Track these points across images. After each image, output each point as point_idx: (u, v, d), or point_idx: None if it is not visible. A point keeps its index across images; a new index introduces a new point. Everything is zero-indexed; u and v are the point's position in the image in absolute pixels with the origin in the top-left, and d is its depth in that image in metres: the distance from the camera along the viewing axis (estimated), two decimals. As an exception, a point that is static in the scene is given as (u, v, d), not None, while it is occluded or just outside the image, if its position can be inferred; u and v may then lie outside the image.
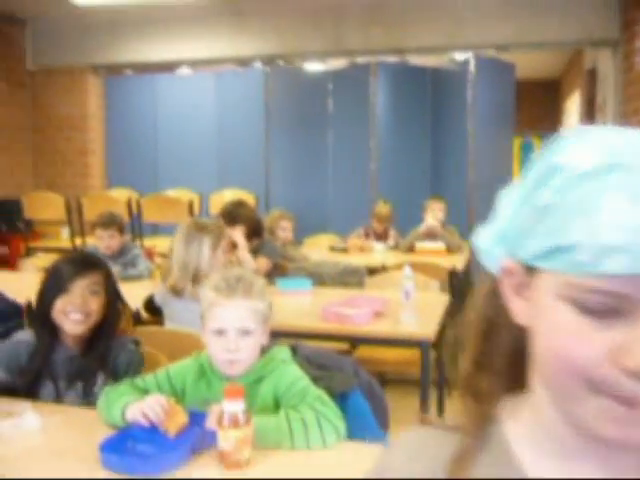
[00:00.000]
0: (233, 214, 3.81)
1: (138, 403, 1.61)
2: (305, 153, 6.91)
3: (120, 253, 4.02)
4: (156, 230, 6.25)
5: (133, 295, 3.11)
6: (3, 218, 6.78)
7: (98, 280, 2.00)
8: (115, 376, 1.95)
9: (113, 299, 2.07)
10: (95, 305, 1.97)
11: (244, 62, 7.07)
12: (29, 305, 2.53)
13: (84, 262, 2.03)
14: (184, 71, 7.39)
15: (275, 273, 4.12)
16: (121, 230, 4.07)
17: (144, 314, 2.99)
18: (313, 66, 7.06)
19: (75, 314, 1.93)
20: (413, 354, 3.20)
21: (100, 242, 4.00)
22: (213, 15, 6.81)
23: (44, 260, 4.04)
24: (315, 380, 1.76)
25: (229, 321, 1.69)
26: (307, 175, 6.90)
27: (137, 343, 2.08)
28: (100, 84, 7.54)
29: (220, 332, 1.70)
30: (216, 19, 6.83)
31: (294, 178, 6.91)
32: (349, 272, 4.20)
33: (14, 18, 7.31)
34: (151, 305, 2.96)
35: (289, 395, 1.67)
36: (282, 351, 1.79)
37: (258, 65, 6.97)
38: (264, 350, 1.78)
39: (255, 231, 3.89)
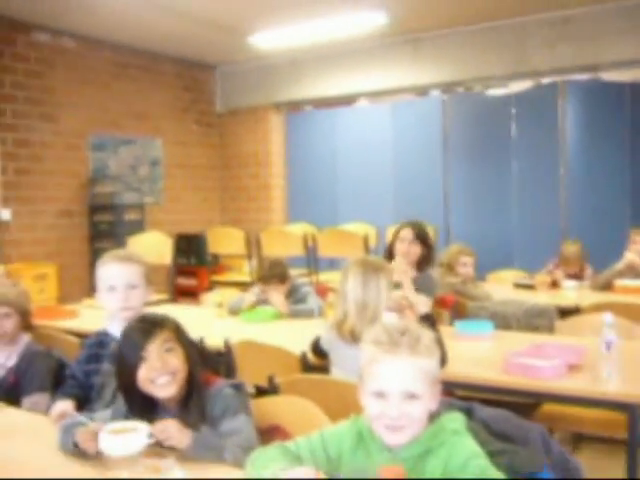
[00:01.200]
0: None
1: (288, 473, 1.43)
2: (486, 183, 6.53)
3: (291, 292, 3.96)
4: (332, 265, 6.20)
5: (303, 335, 3.01)
6: (193, 252, 7.16)
7: (169, 336, 1.89)
8: (214, 425, 1.81)
9: (191, 350, 1.95)
10: (176, 361, 1.86)
11: (421, 91, 6.89)
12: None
13: (149, 325, 1.92)
14: (362, 103, 7.37)
15: (454, 314, 3.83)
16: (282, 280, 3.95)
17: (311, 357, 2.85)
18: (494, 90, 6.69)
19: (161, 378, 1.83)
20: (618, 414, 2.73)
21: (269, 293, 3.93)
22: (389, 46, 6.74)
23: (221, 295, 4.10)
24: (494, 455, 1.48)
25: (391, 382, 1.47)
26: (489, 206, 6.50)
27: (237, 387, 1.93)
28: (281, 121, 7.77)
29: (380, 394, 1.47)
30: (392, 49, 6.74)
31: (475, 209, 6.54)
32: (537, 313, 3.78)
33: (205, 65, 7.79)
34: (318, 347, 2.82)
35: (462, 475, 1.40)
36: (455, 420, 1.52)
37: (435, 93, 6.75)
38: (433, 417, 1.52)
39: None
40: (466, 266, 4.42)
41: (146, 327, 1.88)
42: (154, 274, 6.41)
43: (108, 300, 2.30)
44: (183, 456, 1.70)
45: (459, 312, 3.94)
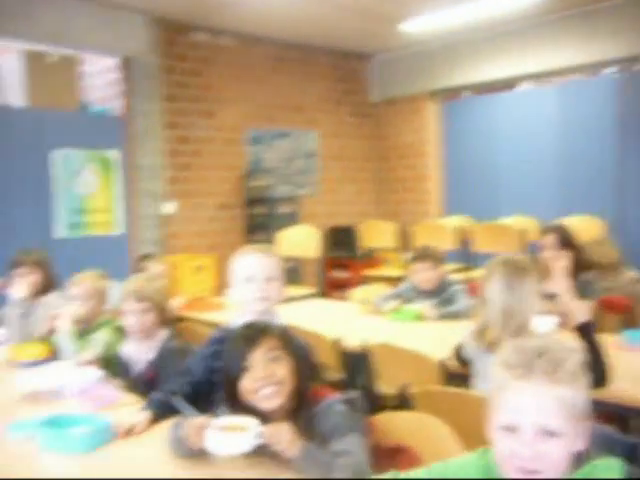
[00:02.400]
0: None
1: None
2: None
3: (438, 289, 3.72)
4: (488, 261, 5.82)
5: (447, 339, 2.78)
6: (346, 244, 7.10)
7: (274, 345, 1.75)
8: (322, 443, 1.64)
9: (299, 360, 1.79)
10: (282, 371, 1.72)
11: (593, 70, 6.25)
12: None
13: (253, 332, 1.79)
14: (524, 87, 6.86)
15: (626, 320, 3.39)
16: (437, 264, 3.76)
17: (452, 364, 2.61)
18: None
19: (265, 389, 1.70)
20: None
21: (416, 276, 3.75)
22: (556, 22, 6.18)
23: (366, 291, 3.95)
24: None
25: (523, 415, 1.22)
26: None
27: (350, 403, 1.74)
28: (437, 109, 7.46)
29: (511, 429, 1.23)
30: (560, 25, 6.17)
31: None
32: None
33: (360, 55, 7.68)
34: (460, 355, 2.57)
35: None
36: (610, 468, 1.24)
37: (608, 71, 6.08)
38: (581, 460, 1.26)
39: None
40: None
41: (250, 335, 1.78)
42: (304, 267, 6.44)
43: (245, 290, 2.23)
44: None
45: (632, 318, 3.48)
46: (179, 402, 2.04)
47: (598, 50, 5.98)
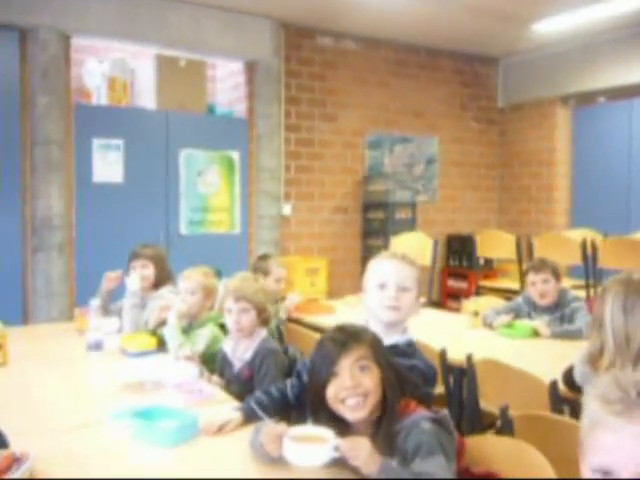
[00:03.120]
0: None
1: None
2: None
3: (557, 305, 3.48)
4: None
5: (561, 360, 2.58)
6: (464, 253, 6.89)
7: (365, 353, 1.66)
8: (404, 461, 1.54)
9: (389, 372, 1.68)
10: (369, 383, 1.62)
11: None
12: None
13: (346, 336, 1.70)
14: (668, 92, 6.33)
15: None
16: (555, 276, 3.53)
17: (562, 388, 2.42)
18: None
19: (351, 399, 1.61)
20: None
21: (531, 288, 3.54)
22: None
23: (477, 304, 3.78)
24: None
25: (619, 459, 1.07)
26: None
27: (439, 422, 1.60)
28: (569, 116, 7.06)
29: (605, 473, 1.09)
30: None
31: None
32: None
33: (487, 58, 7.42)
34: (571, 379, 2.38)
35: None
36: None
37: None
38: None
39: None
40: None
41: (342, 339, 1.70)
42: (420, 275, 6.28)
43: (375, 298, 2.12)
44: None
45: None
46: (260, 410, 2.04)
47: None
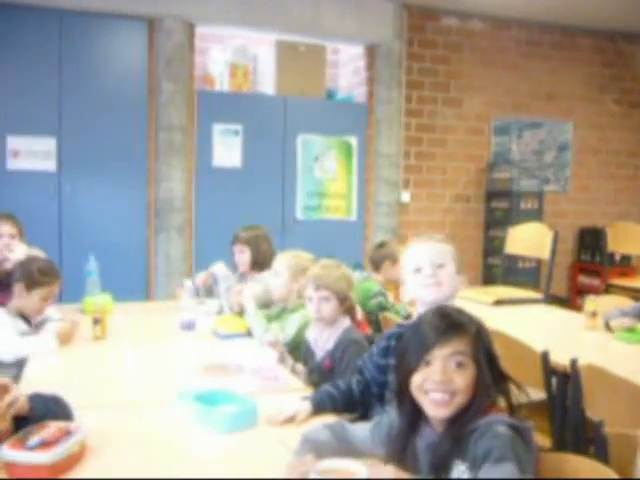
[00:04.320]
0: None
1: None
2: None
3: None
4: None
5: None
6: (597, 248, 6.40)
7: (465, 348, 1.46)
8: (473, 465, 1.37)
9: (485, 373, 1.48)
10: (461, 381, 1.44)
11: None
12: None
13: (447, 325, 1.50)
14: None
15: None
16: None
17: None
18: None
19: (435, 393, 1.44)
20: None
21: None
22: None
23: (595, 303, 3.44)
24: None
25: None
26: None
27: (518, 429, 1.40)
28: None
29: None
30: None
31: None
32: None
33: (632, 35, 6.79)
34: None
35: None
36: None
37: None
38: None
39: None
40: None
41: (442, 325, 1.52)
42: (544, 269, 5.90)
43: (413, 282, 2.03)
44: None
45: None
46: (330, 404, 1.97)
47: None
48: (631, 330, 3.13)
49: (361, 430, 1.74)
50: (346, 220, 5.90)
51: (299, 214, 5.74)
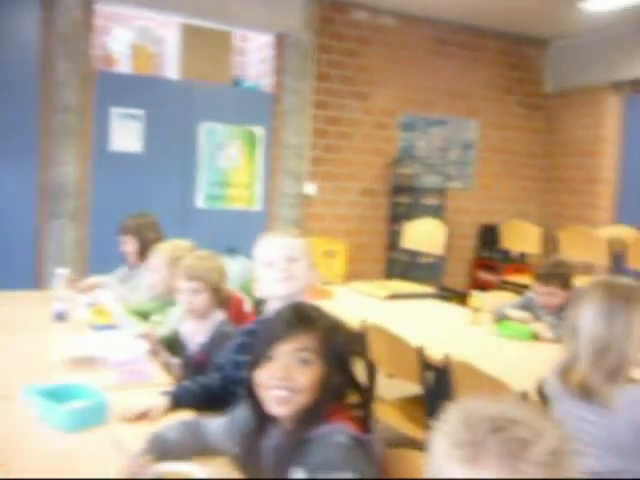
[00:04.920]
0: None
1: None
2: None
3: (565, 308, 3.20)
4: None
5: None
6: (488, 244, 6.61)
7: (312, 344, 1.42)
8: (310, 474, 1.33)
9: (333, 373, 1.44)
10: (304, 380, 1.40)
11: None
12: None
13: (295, 319, 1.45)
14: None
15: None
16: (564, 287, 3.21)
17: (534, 399, 2.18)
18: None
19: (277, 390, 1.40)
20: None
21: (538, 297, 3.25)
22: None
23: (480, 299, 3.52)
24: None
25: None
26: None
27: (358, 440, 1.36)
28: (620, 103, 6.59)
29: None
30: None
31: None
32: None
33: (536, 40, 7.00)
34: (543, 390, 2.14)
35: None
36: None
37: None
38: None
39: None
40: None
41: (290, 320, 1.47)
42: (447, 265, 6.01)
43: (266, 277, 2.01)
44: None
45: None
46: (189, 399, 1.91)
47: None
48: (507, 326, 3.22)
49: (217, 426, 1.69)
50: (249, 210, 5.82)
51: (201, 203, 5.62)
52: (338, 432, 1.39)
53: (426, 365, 2.75)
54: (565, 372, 1.93)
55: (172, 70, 5.58)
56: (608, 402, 1.80)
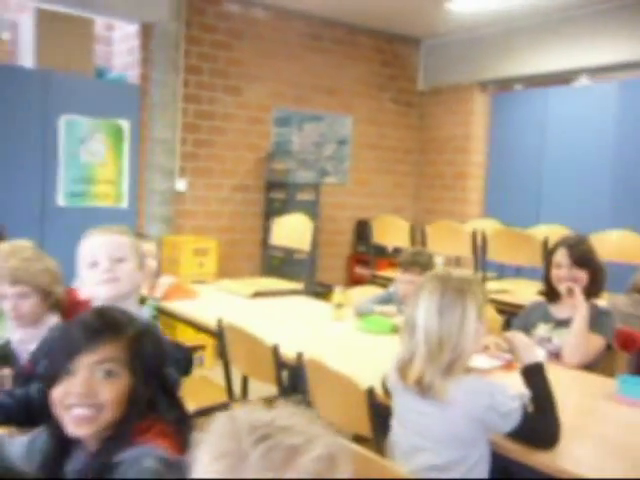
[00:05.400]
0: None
1: None
2: None
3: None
4: (519, 272, 5.21)
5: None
6: (363, 239, 6.68)
7: (117, 355, 1.28)
8: None
9: (146, 384, 1.31)
10: (109, 394, 1.25)
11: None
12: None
13: (98, 326, 1.30)
14: (582, 82, 6.14)
15: None
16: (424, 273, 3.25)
17: (381, 394, 2.14)
18: None
19: (78, 409, 1.24)
20: None
21: (400, 286, 3.26)
22: (623, 8, 5.46)
23: (342, 295, 3.48)
24: None
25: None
26: None
27: (168, 463, 1.22)
28: (487, 102, 6.84)
29: None
30: (622, 18, 5.45)
31: None
32: None
33: (409, 38, 7.13)
34: (386, 384, 2.10)
35: None
36: None
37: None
38: None
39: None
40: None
41: (93, 327, 1.30)
42: (325, 260, 5.96)
43: (89, 278, 1.86)
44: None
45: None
46: None
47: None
48: (368, 320, 3.20)
49: (19, 445, 1.51)
50: (116, 208, 5.53)
51: (61, 201, 5.28)
52: (147, 455, 1.24)
53: (282, 364, 2.67)
54: (402, 369, 1.89)
55: (27, 58, 5.20)
56: (444, 396, 1.77)
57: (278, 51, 6.33)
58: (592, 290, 2.75)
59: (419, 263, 3.22)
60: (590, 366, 2.68)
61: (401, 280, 3.24)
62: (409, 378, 1.85)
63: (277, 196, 6.15)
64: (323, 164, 6.63)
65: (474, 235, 4.39)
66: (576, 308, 2.61)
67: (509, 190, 6.52)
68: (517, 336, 1.97)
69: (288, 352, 2.63)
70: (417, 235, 5.02)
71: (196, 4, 5.83)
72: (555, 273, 2.79)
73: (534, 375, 1.85)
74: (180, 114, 5.80)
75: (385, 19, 6.51)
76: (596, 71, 5.89)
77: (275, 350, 2.64)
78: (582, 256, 2.77)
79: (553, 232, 4.99)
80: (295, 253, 5.88)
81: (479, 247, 4.37)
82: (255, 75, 6.21)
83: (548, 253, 2.91)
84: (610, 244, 4.82)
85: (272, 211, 6.14)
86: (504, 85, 6.70)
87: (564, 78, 6.21)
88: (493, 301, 3.53)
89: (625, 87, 5.67)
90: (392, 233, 5.02)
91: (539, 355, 1.95)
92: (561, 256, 2.79)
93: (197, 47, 5.87)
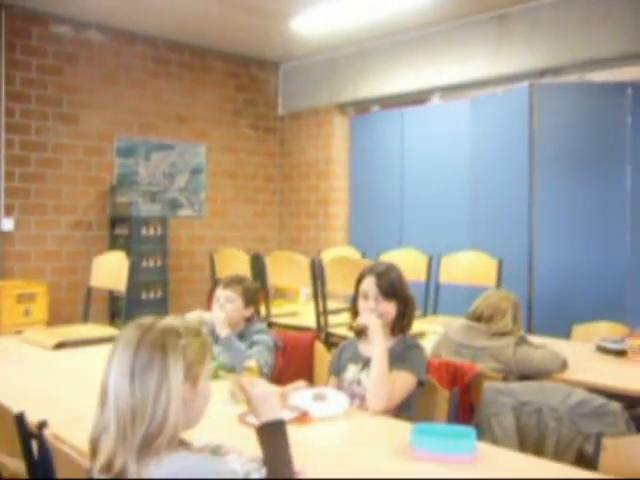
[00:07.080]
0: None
1: None
2: (588, 200, 4.93)
3: (242, 333, 2.86)
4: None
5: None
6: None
7: None
8: None
9: None
10: None
11: (507, 82, 5.39)
12: None
13: None
14: (434, 101, 6.00)
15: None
16: (247, 300, 2.89)
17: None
18: (600, 76, 5.05)
19: None
20: None
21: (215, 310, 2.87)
22: (469, 26, 5.39)
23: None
24: None
25: None
26: (591, 233, 4.90)
27: None
28: (346, 125, 6.61)
29: None
30: (473, 31, 5.38)
31: (570, 237, 4.95)
32: (590, 412, 2.25)
33: (266, 62, 6.85)
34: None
35: None
36: None
37: (524, 85, 5.23)
38: None
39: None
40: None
41: None
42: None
43: None
44: None
45: (473, 394, 2.59)
46: None
47: (511, 60, 5.16)
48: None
49: None
50: None
51: None
52: None
53: (29, 435, 2.17)
54: (93, 448, 1.43)
55: None
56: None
57: (119, 76, 5.87)
58: (401, 324, 2.43)
59: (239, 281, 2.89)
60: (404, 407, 2.35)
61: (219, 297, 2.87)
62: (98, 462, 1.40)
63: (121, 232, 5.64)
64: (175, 195, 6.18)
65: (312, 265, 4.05)
66: (372, 346, 2.27)
67: (373, 214, 6.28)
68: (258, 385, 1.58)
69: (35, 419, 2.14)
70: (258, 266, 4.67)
71: (19, 26, 5.32)
72: (361, 305, 2.46)
73: (272, 435, 1.46)
74: (3, 145, 5.22)
75: (238, 42, 6.21)
76: (448, 90, 5.76)
77: (20, 420, 2.14)
78: (390, 286, 2.44)
79: (408, 256, 4.76)
80: (143, 292, 5.39)
81: (318, 277, 4.02)
82: (93, 102, 5.72)
83: (356, 282, 2.56)
84: (463, 265, 4.62)
85: (117, 248, 5.59)
86: (362, 107, 6.50)
87: (419, 98, 6.06)
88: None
89: (475, 104, 5.56)
90: (232, 265, 4.62)
91: (281, 412, 1.56)
92: (367, 285, 2.46)
93: (22, 72, 5.34)
